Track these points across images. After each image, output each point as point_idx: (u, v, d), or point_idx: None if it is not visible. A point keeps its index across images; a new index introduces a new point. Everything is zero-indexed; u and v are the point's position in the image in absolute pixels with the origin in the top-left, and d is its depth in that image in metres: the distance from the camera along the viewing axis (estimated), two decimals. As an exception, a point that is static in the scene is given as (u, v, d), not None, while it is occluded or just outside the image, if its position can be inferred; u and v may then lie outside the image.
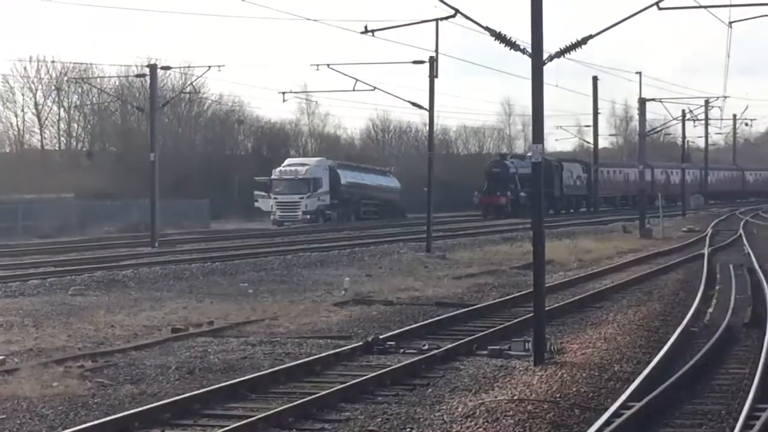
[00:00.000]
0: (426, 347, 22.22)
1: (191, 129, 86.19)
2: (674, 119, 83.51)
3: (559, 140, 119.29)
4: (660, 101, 73.77)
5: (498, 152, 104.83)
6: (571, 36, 21.98)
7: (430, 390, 18.29)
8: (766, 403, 16.03)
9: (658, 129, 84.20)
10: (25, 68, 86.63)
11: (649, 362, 19.51)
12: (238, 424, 15.19)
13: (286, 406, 16.39)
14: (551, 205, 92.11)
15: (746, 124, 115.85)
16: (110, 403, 17.03)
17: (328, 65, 52.41)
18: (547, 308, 22.46)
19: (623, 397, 16.59)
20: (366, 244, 54.16)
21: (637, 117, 75.65)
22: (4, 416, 16.22)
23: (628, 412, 15.41)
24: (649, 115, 73.22)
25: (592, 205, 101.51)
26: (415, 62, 49.92)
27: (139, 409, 16.14)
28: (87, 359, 21.01)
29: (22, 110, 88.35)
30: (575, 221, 77.14)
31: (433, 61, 48.21)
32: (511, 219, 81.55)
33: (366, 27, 32.28)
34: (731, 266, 38.13)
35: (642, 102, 69.68)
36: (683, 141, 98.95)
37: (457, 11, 24.20)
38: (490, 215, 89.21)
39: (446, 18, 28.58)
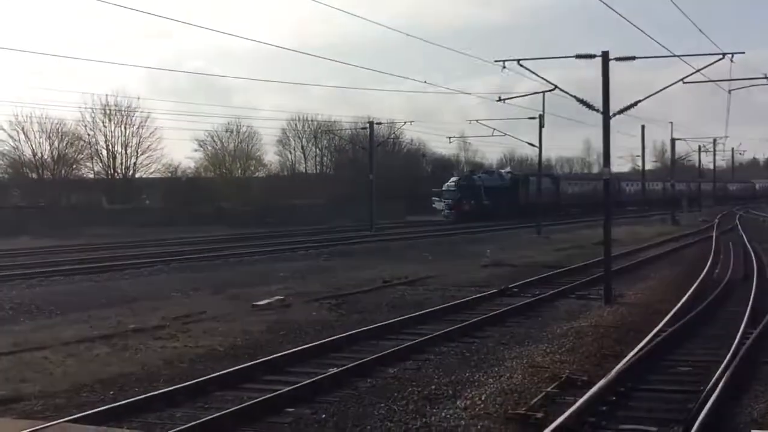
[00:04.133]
0: (538, 293, 22.07)
1: (394, 159, 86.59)
2: (693, 151, 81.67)
3: (620, 165, 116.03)
4: (684, 140, 72.56)
5: (469, 169, 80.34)
6: (627, 99, 21.57)
7: (539, 319, 18.19)
8: (753, 328, 15.62)
9: (683, 157, 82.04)
10: (295, 124, 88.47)
11: (677, 302, 19.09)
12: (423, 338, 15.32)
13: (451, 327, 16.45)
14: (516, 211, 68.49)
15: (740, 154, 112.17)
16: (346, 325, 17.27)
17: (477, 120, 52.52)
18: (612, 269, 22.15)
19: (661, 324, 16.31)
20: (500, 230, 53.84)
21: (669, 150, 73.79)
22: (284, 332, 16.60)
23: (664, 333, 15.18)
24: (677, 148, 71.39)
25: (558, 211, 73.46)
26: (530, 118, 49.43)
27: (364, 328, 16.38)
28: (332, 298, 21.37)
29: (293, 149, 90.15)
30: (631, 216, 74.20)
31: (541, 117, 47.94)
32: (480, 222, 60.82)
33: (500, 97, 32.07)
34: (730, 243, 36.95)
35: (672, 141, 68.32)
36: (699, 164, 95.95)
37: (555, 86, 23.95)
38: (459, 220, 65.83)
39: (549, 90, 28.26)
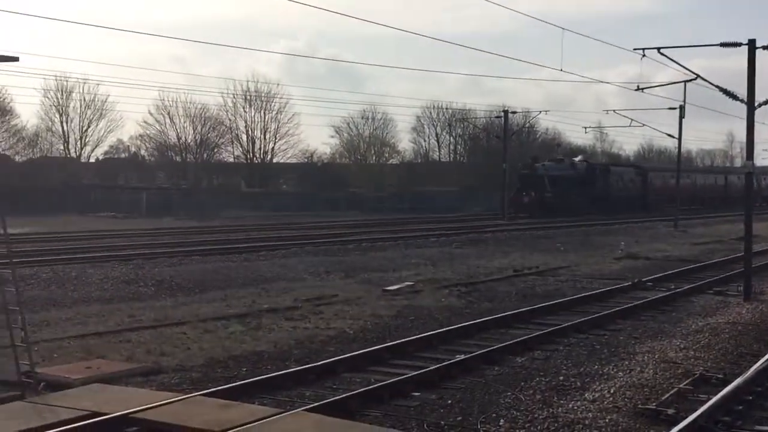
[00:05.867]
0: (672, 287, 21.48)
1: (528, 148, 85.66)
2: None
3: (765, 158, 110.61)
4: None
5: (530, 156, 66.78)
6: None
7: (674, 314, 17.69)
8: None
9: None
10: (430, 111, 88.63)
11: (822, 302, 18.27)
12: (552, 329, 15.13)
13: (582, 319, 16.20)
14: (589, 206, 61.14)
15: None
16: (475, 313, 17.24)
17: (614, 110, 51.47)
18: (753, 265, 21.35)
19: (804, 324, 15.65)
20: (635, 222, 52.58)
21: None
22: (413, 317, 16.69)
23: (806, 334, 14.55)
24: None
25: (645, 206, 66.15)
26: (670, 108, 48.20)
27: (494, 316, 16.30)
28: (462, 286, 21.34)
29: (428, 137, 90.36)
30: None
31: (681, 107, 46.67)
32: (544, 219, 52.91)
33: (638, 86, 31.31)
34: None
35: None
36: None
37: (698, 76, 23.20)
38: (520, 214, 58.33)
39: (691, 80, 27.36)
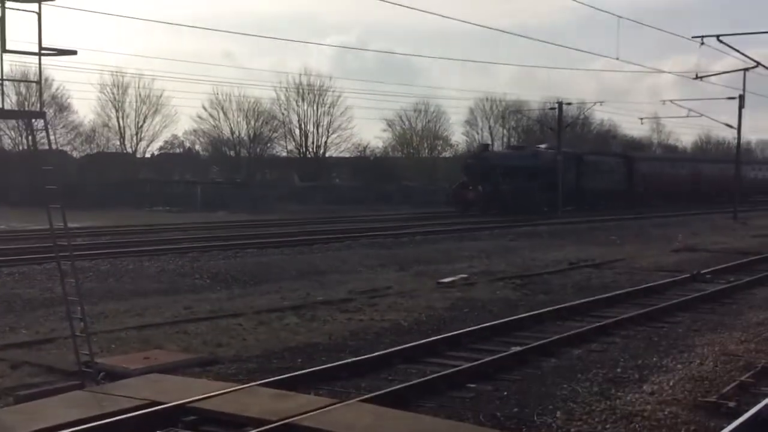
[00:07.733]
0: (732, 279, 21.14)
1: (583, 141, 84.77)
2: None
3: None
4: None
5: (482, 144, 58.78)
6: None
7: (734, 306, 17.40)
8: None
9: None
10: (483, 104, 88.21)
11: None
12: (609, 321, 14.97)
13: (638, 311, 15.98)
14: (558, 201, 52.01)
15: None
16: (531, 305, 17.09)
17: (671, 101, 50.78)
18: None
19: None
20: (694, 215, 51.79)
21: None
22: (468, 309, 16.62)
23: None
24: None
25: (631, 201, 58.64)
26: (729, 98, 47.41)
27: (549, 308, 16.15)
28: (517, 278, 21.20)
29: (481, 130, 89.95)
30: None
31: (741, 97, 45.88)
32: (503, 217, 46.24)
33: (697, 74, 30.94)
34: None
35: None
36: None
37: (758, 63, 22.80)
38: (469, 211, 50.19)
39: (751, 68, 26.94)
